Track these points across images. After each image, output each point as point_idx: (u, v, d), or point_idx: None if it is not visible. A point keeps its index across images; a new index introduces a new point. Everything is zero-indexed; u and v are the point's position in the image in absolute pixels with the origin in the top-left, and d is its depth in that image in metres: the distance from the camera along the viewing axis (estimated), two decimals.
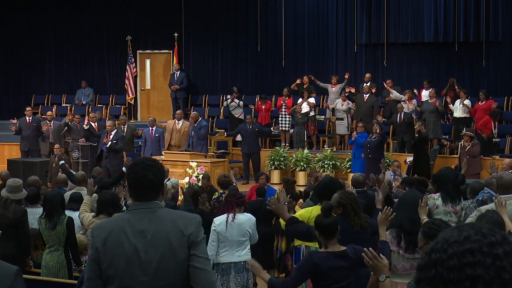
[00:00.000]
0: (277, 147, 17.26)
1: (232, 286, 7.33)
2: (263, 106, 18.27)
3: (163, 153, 14.91)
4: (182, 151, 14.86)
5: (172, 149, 15.67)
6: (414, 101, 16.79)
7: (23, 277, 2.99)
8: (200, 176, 12.35)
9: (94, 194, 8.11)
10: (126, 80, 20.42)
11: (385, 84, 17.44)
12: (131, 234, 3.31)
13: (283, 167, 16.60)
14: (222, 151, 16.88)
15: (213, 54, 20.30)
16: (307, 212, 6.88)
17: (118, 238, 3.32)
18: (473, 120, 16.28)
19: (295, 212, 7.36)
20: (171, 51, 20.30)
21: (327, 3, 19.12)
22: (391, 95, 17.27)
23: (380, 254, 3.82)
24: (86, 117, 17.31)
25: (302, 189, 11.50)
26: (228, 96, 18.66)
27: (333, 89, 17.93)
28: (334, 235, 4.89)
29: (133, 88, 20.48)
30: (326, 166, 16.14)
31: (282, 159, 16.61)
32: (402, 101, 16.71)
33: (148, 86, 20.98)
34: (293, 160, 16.52)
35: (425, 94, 16.94)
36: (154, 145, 16.00)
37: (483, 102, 16.28)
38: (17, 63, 21.41)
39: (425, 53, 18.47)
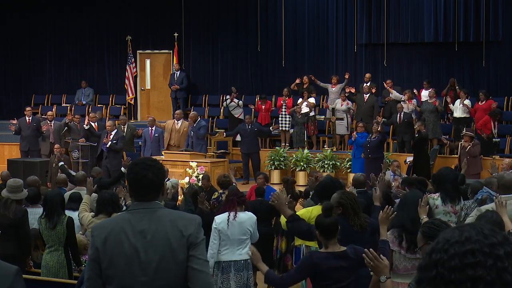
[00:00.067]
0: (277, 147, 17.26)
1: (232, 284, 7.34)
2: (263, 106, 18.27)
3: (163, 153, 14.90)
4: (182, 151, 14.85)
5: (172, 149, 15.66)
6: (414, 101, 16.79)
7: (23, 277, 2.99)
8: (200, 176, 12.35)
9: (94, 194, 8.12)
10: (126, 80, 20.42)
11: (385, 84, 17.44)
12: (131, 234, 3.31)
13: (283, 167, 16.60)
14: (222, 151, 16.87)
15: (213, 54, 20.30)
16: (308, 212, 6.89)
17: (118, 238, 3.32)
18: (473, 120, 16.28)
19: (295, 212, 7.36)
20: (171, 51, 20.30)
21: (327, 3, 19.12)
22: (391, 95, 17.27)
23: (381, 255, 3.81)
24: (86, 117, 17.30)
25: (302, 189, 11.50)
26: (228, 96, 18.65)
27: (333, 89, 17.93)
28: (334, 235, 4.89)
29: (133, 88, 20.47)
30: (326, 166, 16.14)
31: (282, 159, 16.61)
32: (402, 101, 16.71)
33: (148, 86, 20.97)
34: (293, 160, 16.52)
35: (424, 94, 16.94)
36: (153, 145, 16.00)
37: (483, 102, 16.27)
38: (17, 63, 21.41)
39: (425, 53, 18.46)
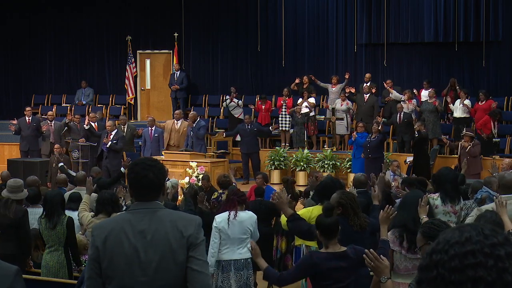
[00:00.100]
0: (277, 147, 17.26)
1: (232, 283, 7.36)
2: (263, 106, 18.27)
3: (163, 153, 14.90)
4: (182, 151, 14.84)
5: (171, 149, 15.65)
6: (414, 101, 16.79)
7: (23, 277, 2.98)
8: (200, 176, 12.35)
9: (94, 194, 8.12)
10: (126, 80, 20.42)
11: (385, 84, 17.44)
12: (131, 234, 3.31)
13: (283, 167, 16.60)
14: (222, 151, 16.87)
15: (213, 54, 20.30)
16: (308, 212, 6.89)
17: (118, 237, 3.32)
18: (473, 120, 16.28)
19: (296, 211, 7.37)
20: (171, 51, 20.30)
21: (327, 3, 19.12)
22: (391, 95, 17.27)
23: (381, 256, 3.81)
24: (86, 117, 17.30)
25: (302, 189, 11.50)
26: (227, 97, 18.65)
27: (334, 89, 17.93)
28: (335, 235, 4.88)
29: (133, 88, 20.47)
30: (326, 166, 16.14)
31: (282, 159, 16.61)
32: (402, 101, 16.71)
33: (148, 86, 20.97)
34: (293, 160, 16.52)
35: (424, 94, 16.95)
36: (153, 145, 15.99)
37: (483, 102, 16.27)
38: (17, 63, 21.41)
39: (425, 53, 18.46)
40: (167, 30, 20.18)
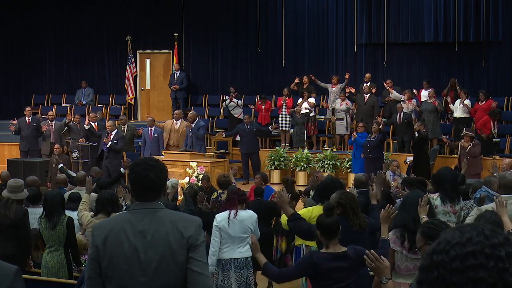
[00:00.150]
0: (277, 147, 17.26)
1: (232, 282, 7.36)
2: (263, 106, 18.26)
3: (163, 153, 14.90)
4: (182, 151, 14.84)
5: (171, 149, 15.64)
6: (414, 101, 16.79)
7: (23, 277, 2.98)
8: (200, 176, 12.35)
9: (94, 194, 8.12)
10: (126, 80, 20.42)
11: (385, 84, 17.44)
12: (131, 234, 3.31)
13: (283, 167, 16.60)
14: (222, 151, 16.87)
15: (213, 54, 20.30)
16: (308, 212, 6.89)
17: (118, 237, 3.31)
18: (473, 120, 16.28)
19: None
20: (171, 51, 20.30)
21: (327, 3, 19.12)
22: (390, 95, 17.27)
23: (381, 256, 3.81)
24: (87, 117, 17.30)
25: (302, 189, 11.49)
26: (227, 97, 18.64)
27: (334, 89, 17.93)
28: (335, 235, 4.88)
29: (133, 88, 20.47)
30: (326, 166, 16.13)
31: (282, 159, 16.61)
32: (402, 101, 16.71)
33: (148, 86, 20.97)
34: (293, 160, 16.52)
35: (424, 94, 16.94)
36: (153, 145, 15.99)
37: (483, 102, 16.27)
38: (17, 63, 21.41)
39: (425, 53, 18.46)
40: (167, 30, 20.17)
